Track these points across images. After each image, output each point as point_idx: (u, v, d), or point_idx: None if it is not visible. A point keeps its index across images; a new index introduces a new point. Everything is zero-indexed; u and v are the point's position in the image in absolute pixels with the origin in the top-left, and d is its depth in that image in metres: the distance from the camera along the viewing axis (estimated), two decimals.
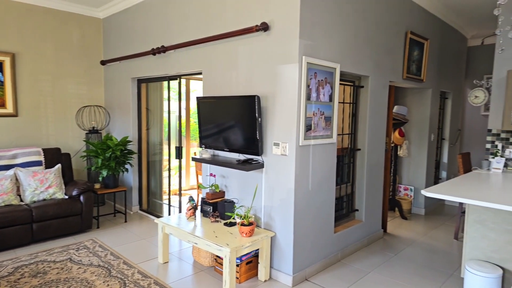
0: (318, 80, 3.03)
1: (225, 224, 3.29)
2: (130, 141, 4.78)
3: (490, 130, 4.26)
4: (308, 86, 2.93)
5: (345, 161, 3.87)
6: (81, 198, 4.16)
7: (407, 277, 3.23)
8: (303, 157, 3.00)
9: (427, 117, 5.10)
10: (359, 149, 3.88)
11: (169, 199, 4.79)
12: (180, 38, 4.00)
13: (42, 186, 4.09)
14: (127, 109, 5.04)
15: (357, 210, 3.95)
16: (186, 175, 6.83)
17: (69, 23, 5.11)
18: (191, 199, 3.55)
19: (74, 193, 4.15)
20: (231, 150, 3.34)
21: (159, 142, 4.99)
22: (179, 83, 4.29)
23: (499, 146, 4.16)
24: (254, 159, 3.22)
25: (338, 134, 3.58)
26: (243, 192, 3.41)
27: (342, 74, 3.47)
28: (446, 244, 4.09)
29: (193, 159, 3.65)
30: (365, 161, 3.85)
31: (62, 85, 5.12)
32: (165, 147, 4.91)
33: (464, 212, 4.09)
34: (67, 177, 4.60)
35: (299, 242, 3.07)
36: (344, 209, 3.93)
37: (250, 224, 3.03)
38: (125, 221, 4.67)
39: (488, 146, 4.26)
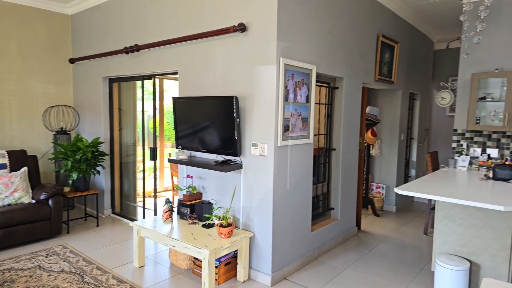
0: (295, 82, 3.06)
1: (203, 225, 3.26)
2: (102, 142, 4.63)
3: (455, 130, 4.48)
4: (285, 87, 2.96)
5: (321, 160, 3.95)
6: (50, 202, 3.97)
7: (381, 272, 3.34)
8: (281, 158, 3.03)
9: (398, 118, 5.29)
10: (334, 149, 3.96)
11: (143, 201, 4.67)
12: (154, 37, 3.92)
13: (7, 190, 3.87)
14: (98, 109, 4.87)
15: (333, 208, 4.03)
16: (160, 176, 6.70)
17: (34, 19, 4.87)
18: (167, 201, 3.49)
19: (42, 197, 3.96)
20: (208, 151, 3.31)
21: (132, 143, 4.86)
22: (154, 83, 4.20)
23: (464, 145, 4.39)
24: (233, 159, 3.21)
25: (314, 135, 3.64)
26: (221, 193, 3.39)
27: (318, 75, 3.53)
28: (417, 239, 4.27)
29: (170, 160, 3.59)
30: (340, 161, 3.94)
31: (28, 84, 4.87)
32: (139, 148, 4.79)
33: (432, 208, 4.29)
34: (34, 180, 4.38)
35: (278, 242, 3.09)
36: (320, 208, 4.00)
37: (229, 225, 3.02)
38: (97, 225, 4.51)
39: (454, 145, 4.49)
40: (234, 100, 2.97)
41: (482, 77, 4.06)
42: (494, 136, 4.21)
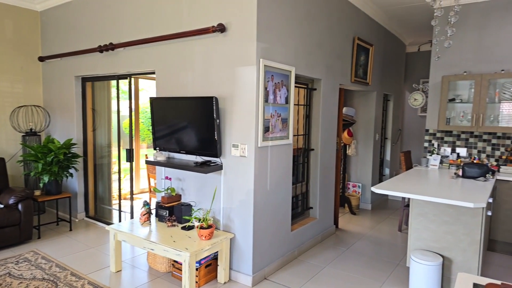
0: (275, 83, 3.08)
1: (183, 228, 3.21)
2: (75, 144, 4.47)
3: (427, 130, 4.66)
4: (265, 88, 2.97)
5: (300, 161, 3.99)
6: (19, 206, 3.79)
7: (359, 269, 3.42)
8: (262, 158, 3.04)
9: (372, 118, 5.44)
10: (313, 149, 4.02)
11: (119, 204, 4.55)
12: (130, 35, 3.83)
13: None
14: (70, 109, 4.70)
15: (312, 208, 4.09)
16: (135, 178, 6.55)
17: (1, 15, 4.63)
18: (145, 203, 3.41)
19: (11, 201, 3.78)
20: (187, 152, 3.27)
21: (107, 144, 4.72)
22: (130, 83, 4.10)
23: (436, 145, 4.57)
24: (213, 161, 3.19)
25: (293, 135, 3.68)
26: (200, 195, 3.36)
27: (296, 77, 3.57)
28: (391, 236, 4.40)
29: (147, 162, 3.51)
30: (318, 161, 4.00)
31: None
32: (114, 149, 4.66)
33: (406, 206, 4.44)
34: (2, 184, 4.17)
35: (258, 242, 3.10)
36: (299, 208, 4.05)
37: (209, 226, 2.99)
38: (70, 230, 4.35)
39: (426, 144, 4.67)
40: (214, 100, 2.95)
41: (451, 80, 4.25)
42: (463, 136, 4.41)
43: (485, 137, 4.28)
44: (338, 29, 4.09)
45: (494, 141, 4.23)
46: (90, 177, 4.82)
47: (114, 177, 4.74)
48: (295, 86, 3.65)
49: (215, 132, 3.00)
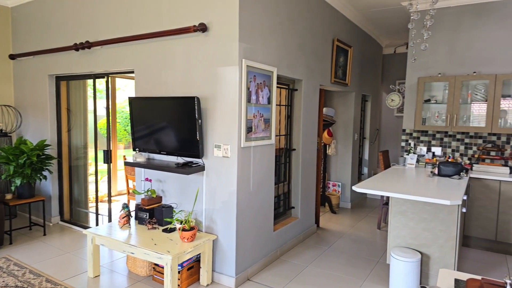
0: (257, 83, 3.08)
1: (164, 230, 3.15)
2: (49, 145, 4.30)
3: (404, 130, 4.79)
4: (248, 88, 2.96)
5: (282, 161, 4.01)
6: None
7: (341, 267, 3.47)
8: (245, 159, 3.03)
9: (351, 118, 5.54)
10: (294, 149, 4.05)
11: (96, 207, 4.42)
12: (108, 33, 3.72)
13: None
14: (43, 109, 4.51)
15: (293, 207, 4.11)
16: (113, 180, 6.38)
17: None
18: (125, 206, 3.33)
19: None
20: (168, 153, 3.21)
21: (83, 145, 4.57)
22: (107, 82, 3.99)
23: (412, 144, 4.71)
24: (194, 161, 3.14)
25: (275, 135, 3.68)
26: (182, 196, 3.31)
27: (278, 77, 3.58)
28: (371, 234, 4.49)
29: (126, 163, 3.43)
30: (299, 160, 4.03)
31: None
32: (90, 150, 4.52)
33: (385, 204, 4.54)
34: None
35: (241, 243, 3.08)
36: (281, 207, 4.06)
37: (191, 228, 2.95)
38: (44, 234, 4.18)
39: (403, 144, 4.79)
40: (196, 100, 2.91)
41: (427, 81, 4.38)
42: (438, 135, 4.56)
43: (458, 136, 4.44)
44: (318, 30, 4.14)
45: (467, 140, 4.39)
46: (65, 180, 4.65)
47: (90, 179, 4.60)
48: (277, 87, 3.66)
49: (197, 133, 2.96)
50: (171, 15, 3.20)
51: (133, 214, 3.57)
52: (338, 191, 5.69)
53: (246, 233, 3.14)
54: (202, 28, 2.94)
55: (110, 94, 5.95)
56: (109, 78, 4.00)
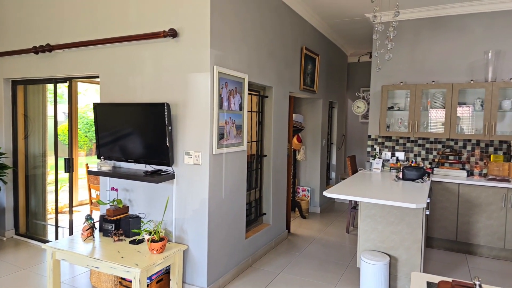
0: (229, 90, 3.05)
1: (132, 242, 3.02)
2: (3, 154, 4.00)
3: (370, 136, 4.96)
4: (220, 95, 2.92)
5: (253, 167, 3.99)
6: None
7: (312, 273, 3.49)
8: (217, 166, 2.98)
9: (319, 124, 5.65)
10: (266, 155, 4.05)
11: (56, 218, 4.15)
12: (71, 37, 3.54)
13: None
14: None
15: (265, 214, 4.10)
16: (74, 190, 6.05)
17: None
18: (88, 217, 3.15)
19: None
20: (136, 161, 3.09)
21: (41, 153, 4.29)
22: (70, 87, 3.79)
23: (377, 149, 4.88)
24: (164, 169, 3.05)
25: (247, 142, 3.67)
26: (150, 206, 3.19)
27: (249, 84, 3.57)
28: (340, 238, 4.58)
29: (90, 172, 3.25)
30: (271, 166, 4.04)
31: None
32: (50, 158, 4.25)
33: (353, 208, 4.66)
34: None
35: (213, 252, 3.02)
36: (253, 214, 4.04)
37: (161, 239, 2.84)
38: None
39: (369, 149, 4.96)
40: (166, 107, 2.83)
41: (390, 89, 4.57)
42: (401, 141, 4.77)
43: (420, 142, 4.66)
44: (287, 39, 4.20)
45: (427, 145, 4.62)
46: (21, 190, 4.34)
47: (49, 188, 4.32)
48: (248, 93, 3.66)
49: (167, 140, 2.88)
50: (140, 19, 3.10)
51: (97, 225, 3.39)
52: (308, 196, 5.76)
53: (218, 242, 3.08)
54: (172, 33, 2.87)
55: (72, 99, 5.67)
56: (72, 83, 3.80)
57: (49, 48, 3.59)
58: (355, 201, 4.67)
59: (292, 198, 5.51)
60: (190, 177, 2.95)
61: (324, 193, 3.07)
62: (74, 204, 5.97)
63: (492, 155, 4.21)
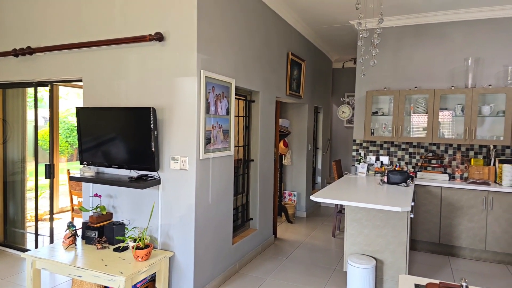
0: (216, 94, 3.04)
1: (116, 249, 2.94)
2: None
3: (355, 140, 5.02)
4: (207, 99, 2.90)
5: (240, 172, 3.97)
6: None
7: (299, 278, 3.49)
8: (204, 171, 2.95)
9: (305, 129, 5.69)
10: (252, 160, 4.04)
11: (36, 226, 4.01)
12: (53, 39, 3.45)
13: None
14: None
15: (252, 219, 4.08)
16: (54, 196, 5.87)
17: None
18: (70, 225, 3.06)
19: None
20: (120, 167, 3.02)
21: (20, 158, 4.16)
22: (51, 91, 3.69)
23: (362, 154, 4.94)
24: (149, 175, 2.99)
25: (234, 146, 3.65)
26: (135, 212, 3.12)
27: (236, 89, 3.57)
28: (326, 242, 4.60)
29: (73, 178, 3.17)
30: (258, 171, 4.03)
31: None
32: (29, 164, 4.12)
33: (339, 212, 4.69)
34: None
35: (200, 259, 2.98)
36: (239, 219, 4.01)
37: (146, 246, 2.78)
38: None
39: (354, 153, 5.01)
40: (152, 111, 2.79)
41: (374, 95, 4.65)
42: (385, 145, 4.84)
43: (403, 146, 4.75)
44: (274, 44, 4.22)
45: (410, 150, 4.71)
46: None
47: (29, 195, 4.18)
48: (235, 98, 3.65)
49: (152, 144, 2.84)
50: (125, 22, 3.06)
51: (79, 233, 3.29)
52: (294, 201, 5.78)
53: (205, 248, 3.04)
54: (159, 37, 2.84)
55: (53, 103, 5.53)
56: (53, 86, 3.71)
57: (30, 51, 3.50)
58: (341, 205, 4.71)
59: (279, 203, 5.51)
60: (176, 183, 2.91)
61: (311, 197, 3.08)
62: (55, 211, 5.79)
63: (472, 159, 4.33)
